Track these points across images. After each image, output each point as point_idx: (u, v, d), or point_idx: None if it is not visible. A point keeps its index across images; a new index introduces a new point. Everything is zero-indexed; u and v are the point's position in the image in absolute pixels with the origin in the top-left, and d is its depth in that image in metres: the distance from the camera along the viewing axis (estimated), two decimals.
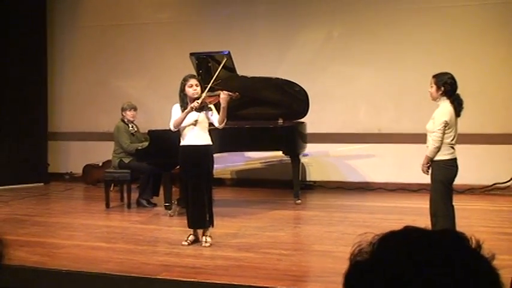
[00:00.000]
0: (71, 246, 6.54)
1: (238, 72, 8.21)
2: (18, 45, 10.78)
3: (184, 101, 6.33)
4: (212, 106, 6.42)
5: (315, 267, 5.87)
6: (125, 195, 8.84)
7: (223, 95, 6.28)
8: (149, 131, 8.33)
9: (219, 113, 6.36)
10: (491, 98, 9.29)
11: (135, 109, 8.97)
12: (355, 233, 6.87)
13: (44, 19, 11.33)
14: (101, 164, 10.68)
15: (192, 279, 5.19)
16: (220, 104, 6.33)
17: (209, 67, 8.23)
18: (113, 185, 9.30)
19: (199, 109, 6.28)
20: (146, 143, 8.41)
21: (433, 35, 9.53)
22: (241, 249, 6.21)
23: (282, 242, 6.64)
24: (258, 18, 10.43)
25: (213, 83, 6.76)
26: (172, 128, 6.37)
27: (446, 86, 5.52)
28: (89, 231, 7.29)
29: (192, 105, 6.23)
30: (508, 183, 9.27)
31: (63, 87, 11.65)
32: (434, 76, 5.62)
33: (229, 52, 7.91)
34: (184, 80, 6.37)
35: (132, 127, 8.93)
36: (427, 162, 5.61)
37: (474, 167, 8.91)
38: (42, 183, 11.00)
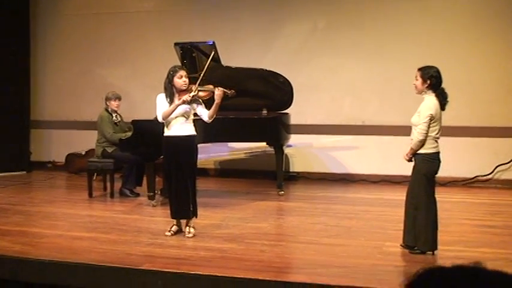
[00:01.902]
0: (53, 236, 6.50)
1: (222, 63, 8.17)
2: (0, 33, 10.66)
3: (171, 91, 6.30)
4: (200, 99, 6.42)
5: (298, 258, 5.88)
6: (108, 184, 8.80)
7: (219, 92, 6.28)
8: (133, 121, 8.30)
9: (206, 107, 6.36)
10: (475, 91, 9.33)
11: (119, 99, 8.91)
12: (338, 224, 7.01)
13: (27, 7, 11.21)
14: (83, 153, 10.62)
15: (175, 270, 5.19)
16: (210, 99, 6.33)
17: (193, 57, 8.22)
18: (95, 174, 9.25)
19: (189, 101, 6.27)
20: (130, 133, 8.37)
21: (419, 27, 9.55)
22: (225, 240, 6.22)
23: (265, 233, 6.66)
24: (244, 8, 10.39)
25: (203, 75, 6.71)
26: (160, 119, 6.34)
27: (432, 79, 5.53)
28: (71, 221, 7.27)
29: (184, 98, 6.22)
30: (490, 176, 9.36)
31: (46, 76, 11.55)
32: (420, 69, 5.62)
33: (214, 42, 7.89)
34: (173, 71, 6.33)
35: (116, 117, 8.87)
36: (411, 154, 5.64)
37: (456, 159, 8.97)
38: (24, 172, 10.92)
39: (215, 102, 6.28)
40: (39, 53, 11.49)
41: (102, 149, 8.73)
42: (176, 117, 6.29)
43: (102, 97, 9.02)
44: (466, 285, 1.18)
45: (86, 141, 10.24)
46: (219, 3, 10.49)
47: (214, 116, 6.40)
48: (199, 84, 6.44)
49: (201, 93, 6.41)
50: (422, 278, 1.24)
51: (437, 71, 5.58)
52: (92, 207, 8.34)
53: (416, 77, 5.61)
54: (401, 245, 5.77)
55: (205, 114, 6.37)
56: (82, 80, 11.29)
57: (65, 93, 11.43)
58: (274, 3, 10.27)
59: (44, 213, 7.73)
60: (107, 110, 8.86)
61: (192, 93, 6.25)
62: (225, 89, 6.43)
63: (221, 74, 7.96)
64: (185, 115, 6.30)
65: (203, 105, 6.42)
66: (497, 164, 9.30)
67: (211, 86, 6.46)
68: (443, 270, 1.23)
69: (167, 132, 6.37)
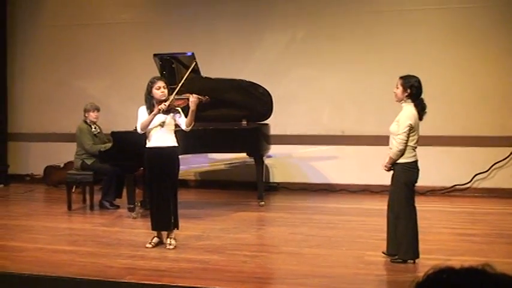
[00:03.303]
0: (32, 250, 6.43)
1: (202, 74, 8.16)
2: None
3: (151, 102, 6.29)
4: (179, 108, 6.39)
5: (280, 269, 5.86)
6: (88, 197, 8.74)
7: (193, 98, 6.26)
8: (112, 132, 8.24)
9: (185, 115, 6.34)
10: (452, 100, 9.42)
11: (98, 110, 8.87)
12: (319, 234, 7.03)
13: (4, 18, 11.14)
14: (62, 166, 10.53)
15: (157, 282, 5.17)
16: (186, 107, 6.31)
17: (173, 68, 8.19)
18: (74, 186, 9.17)
19: (167, 111, 6.25)
20: (109, 145, 8.32)
21: (395, 38, 9.63)
22: (206, 251, 6.21)
23: (247, 244, 6.65)
24: (222, 19, 10.40)
25: (181, 86, 6.71)
26: (139, 130, 6.32)
27: (413, 89, 5.57)
28: (51, 234, 7.18)
29: (159, 107, 6.20)
30: (468, 185, 9.44)
31: (24, 87, 11.45)
32: (402, 77, 5.65)
33: (193, 53, 7.88)
34: (152, 82, 6.32)
35: (95, 128, 8.82)
36: (390, 164, 5.66)
37: (435, 168, 9.03)
38: (2, 185, 10.83)
39: (190, 109, 6.26)
40: (16, 65, 11.40)
41: (81, 161, 8.67)
42: (155, 127, 6.28)
43: (81, 109, 8.96)
44: (475, 287, 1.21)
45: (65, 154, 10.17)
46: (198, 14, 10.48)
47: (192, 124, 6.37)
48: (176, 94, 6.43)
49: (177, 102, 6.40)
50: (432, 279, 1.26)
51: (418, 81, 5.61)
52: (71, 220, 8.26)
53: (397, 85, 5.65)
54: (383, 252, 5.79)
55: (183, 123, 6.36)
56: (60, 91, 11.21)
57: (43, 105, 11.34)
58: (253, 14, 10.28)
59: (23, 227, 7.63)
60: (85, 121, 8.81)
61: (168, 102, 6.24)
62: (200, 95, 6.42)
63: (201, 85, 7.93)
64: (162, 124, 6.28)
65: (182, 114, 6.40)
66: (475, 173, 9.40)
67: (187, 95, 6.45)
68: (452, 271, 1.26)
69: (149, 144, 6.35)
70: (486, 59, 9.40)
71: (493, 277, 1.23)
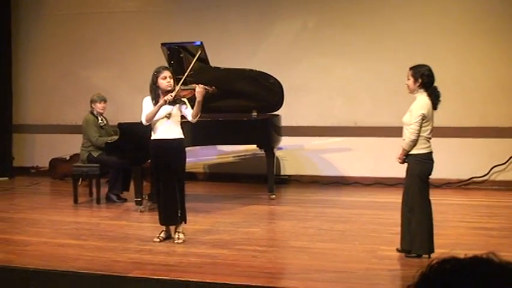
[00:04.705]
0: (38, 243, 6.40)
1: (211, 64, 8.04)
2: None
3: (156, 93, 6.17)
4: (185, 99, 6.25)
5: (291, 264, 5.80)
6: (94, 190, 8.67)
7: (199, 89, 6.13)
8: (119, 124, 8.15)
9: (192, 105, 6.19)
10: (468, 91, 9.28)
11: (105, 101, 8.74)
12: (331, 228, 6.90)
13: (8, 7, 11.02)
14: (68, 158, 10.44)
15: (165, 277, 5.14)
16: (193, 97, 6.17)
17: (181, 58, 8.09)
18: (81, 179, 9.07)
19: (172, 102, 6.12)
20: (116, 137, 8.25)
21: (410, 27, 9.48)
22: (215, 245, 6.15)
23: (257, 238, 6.60)
24: (231, 7, 10.26)
25: (187, 75, 6.58)
26: (144, 122, 6.23)
27: (424, 78, 5.47)
28: (56, 228, 7.14)
29: (165, 98, 6.07)
30: (485, 177, 9.28)
31: (29, 78, 11.35)
32: (411, 68, 5.57)
33: (201, 43, 7.78)
34: (157, 72, 6.20)
35: (102, 120, 8.70)
36: (404, 155, 5.53)
37: (451, 161, 8.90)
38: (6, 178, 10.74)
39: (197, 100, 6.15)
40: (20, 55, 11.28)
41: (88, 154, 8.55)
42: (160, 119, 6.15)
43: (87, 100, 8.84)
44: (480, 275, 1.19)
45: (71, 146, 10.07)
46: (207, 3, 10.35)
47: (199, 115, 6.26)
48: (183, 84, 6.30)
49: (183, 92, 6.25)
50: (435, 269, 1.25)
51: (429, 70, 5.52)
52: (77, 213, 8.20)
53: (408, 76, 5.58)
54: (397, 249, 5.66)
55: (189, 114, 6.23)
56: (65, 82, 11.10)
57: (48, 96, 11.23)
58: (263, 2, 10.15)
59: (28, 220, 7.59)
60: (92, 113, 8.68)
61: (174, 93, 6.09)
62: (206, 86, 6.26)
63: (210, 75, 7.85)
64: (168, 116, 6.14)
65: (188, 105, 6.27)
66: (492, 165, 9.23)
67: (194, 85, 6.31)
68: (456, 260, 1.25)
69: (154, 136, 6.25)
70: (502, 47, 9.26)
71: (498, 265, 1.22)
